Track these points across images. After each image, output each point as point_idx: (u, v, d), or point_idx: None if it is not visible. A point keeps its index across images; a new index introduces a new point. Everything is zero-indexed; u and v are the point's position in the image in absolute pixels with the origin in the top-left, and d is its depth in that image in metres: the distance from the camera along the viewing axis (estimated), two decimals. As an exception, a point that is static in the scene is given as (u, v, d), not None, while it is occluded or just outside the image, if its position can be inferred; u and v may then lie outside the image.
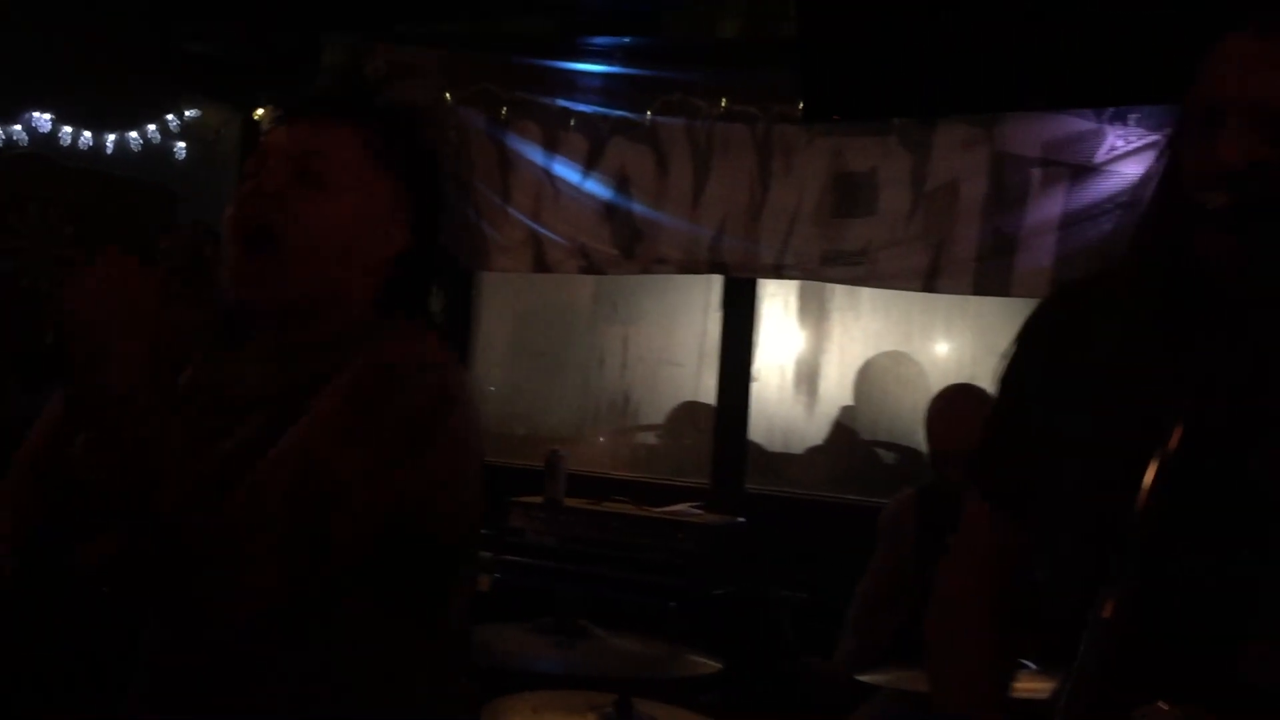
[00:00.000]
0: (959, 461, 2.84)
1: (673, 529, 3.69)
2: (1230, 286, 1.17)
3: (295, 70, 4.40)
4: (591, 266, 4.08)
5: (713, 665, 2.46)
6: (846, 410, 4.33)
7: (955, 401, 3.00)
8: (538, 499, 3.89)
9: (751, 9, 3.96)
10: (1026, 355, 1.37)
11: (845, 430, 4.32)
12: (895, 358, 4.26)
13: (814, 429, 4.39)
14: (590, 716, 2.36)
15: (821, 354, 4.41)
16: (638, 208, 3.97)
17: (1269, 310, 1.15)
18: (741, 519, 3.87)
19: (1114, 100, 3.23)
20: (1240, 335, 1.17)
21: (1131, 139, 3.29)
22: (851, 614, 3.12)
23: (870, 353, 4.31)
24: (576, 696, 2.44)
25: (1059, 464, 1.28)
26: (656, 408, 4.62)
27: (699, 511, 3.90)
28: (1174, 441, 0.95)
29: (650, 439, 4.67)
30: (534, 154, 4.11)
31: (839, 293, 4.32)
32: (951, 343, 4.20)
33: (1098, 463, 1.22)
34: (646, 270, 4.03)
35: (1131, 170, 3.30)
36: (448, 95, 4.20)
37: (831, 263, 3.72)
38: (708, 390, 4.30)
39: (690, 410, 4.46)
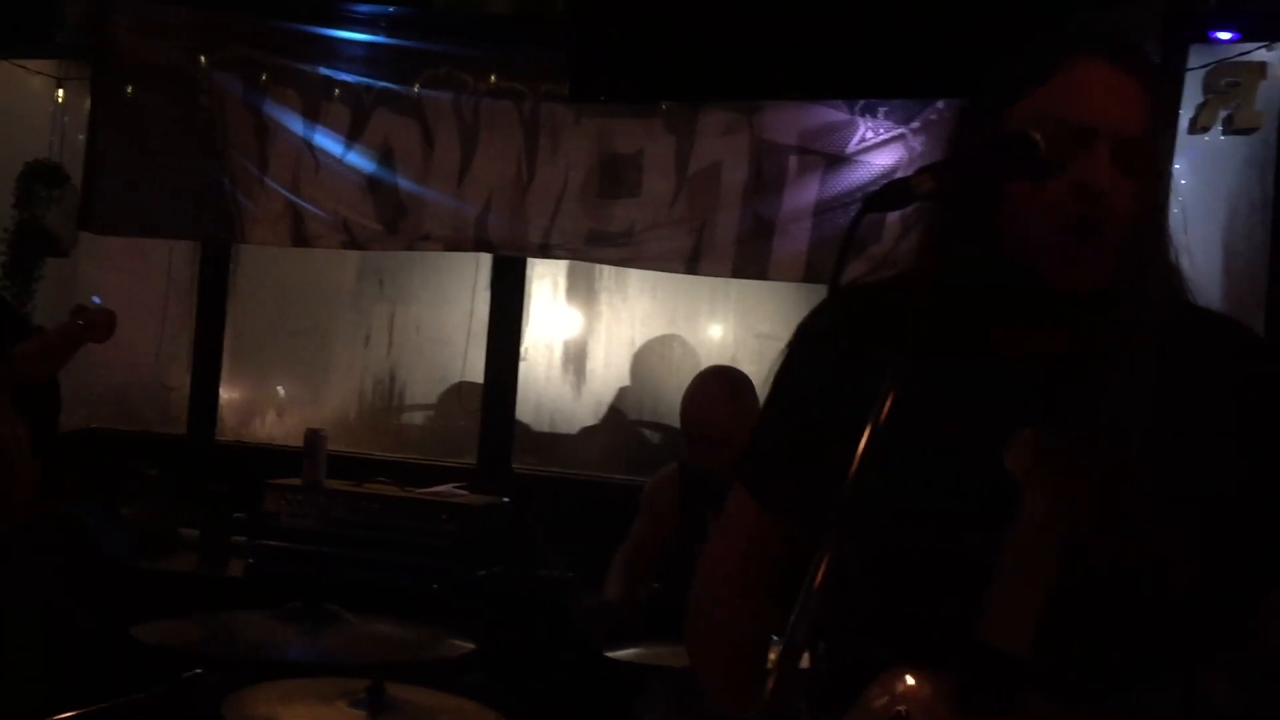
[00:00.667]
0: (710, 443, 2.91)
1: (436, 510, 3.63)
2: (1060, 286, 1.19)
3: (31, 21, 4.09)
4: (354, 242, 3.97)
5: (465, 646, 2.43)
6: (616, 391, 4.37)
7: (708, 385, 3.05)
8: (296, 481, 3.76)
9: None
10: (807, 356, 1.36)
11: (614, 411, 4.36)
12: (665, 340, 4.33)
13: (583, 409, 4.41)
14: (342, 704, 2.28)
15: (590, 334, 4.44)
16: (402, 182, 3.87)
17: (1095, 310, 1.19)
18: (507, 499, 3.85)
19: (865, 93, 3.37)
20: (1057, 330, 1.21)
21: (881, 131, 3.44)
22: (609, 577, 3.15)
23: (638, 334, 4.36)
24: (328, 684, 2.36)
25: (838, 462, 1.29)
26: (423, 387, 4.54)
27: (463, 493, 3.85)
28: (883, 412, 0.98)
29: (417, 419, 4.59)
30: (294, 123, 3.95)
31: (607, 274, 4.35)
32: (715, 324, 4.30)
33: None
34: (411, 247, 3.95)
35: (880, 161, 3.44)
36: (201, 58, 3.99)
37: (597, 243, 3.73)
38: (475, 370, 4.26)
39: (460, 391, 4.41)
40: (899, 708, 1.15)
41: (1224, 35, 3.28)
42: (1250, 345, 1.30)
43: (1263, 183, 3.42)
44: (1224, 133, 3.33)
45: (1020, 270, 1.19)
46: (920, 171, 1.04)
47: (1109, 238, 1.17)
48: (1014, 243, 1.18)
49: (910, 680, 1.17)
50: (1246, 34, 3.26)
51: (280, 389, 4.56)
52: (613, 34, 3.50)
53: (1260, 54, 3.29)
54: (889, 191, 1.04)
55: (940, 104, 3.36)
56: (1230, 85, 3.29)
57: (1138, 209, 1.19)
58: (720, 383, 3.04)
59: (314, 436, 3.83)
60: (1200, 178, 3.42)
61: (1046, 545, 1.16)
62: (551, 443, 4.36)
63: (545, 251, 3.82)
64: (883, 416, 0.99)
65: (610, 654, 2.60)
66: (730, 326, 4.27)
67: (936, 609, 1.14)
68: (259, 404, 4.57)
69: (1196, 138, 3.35)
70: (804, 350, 1.36)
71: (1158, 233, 1.24)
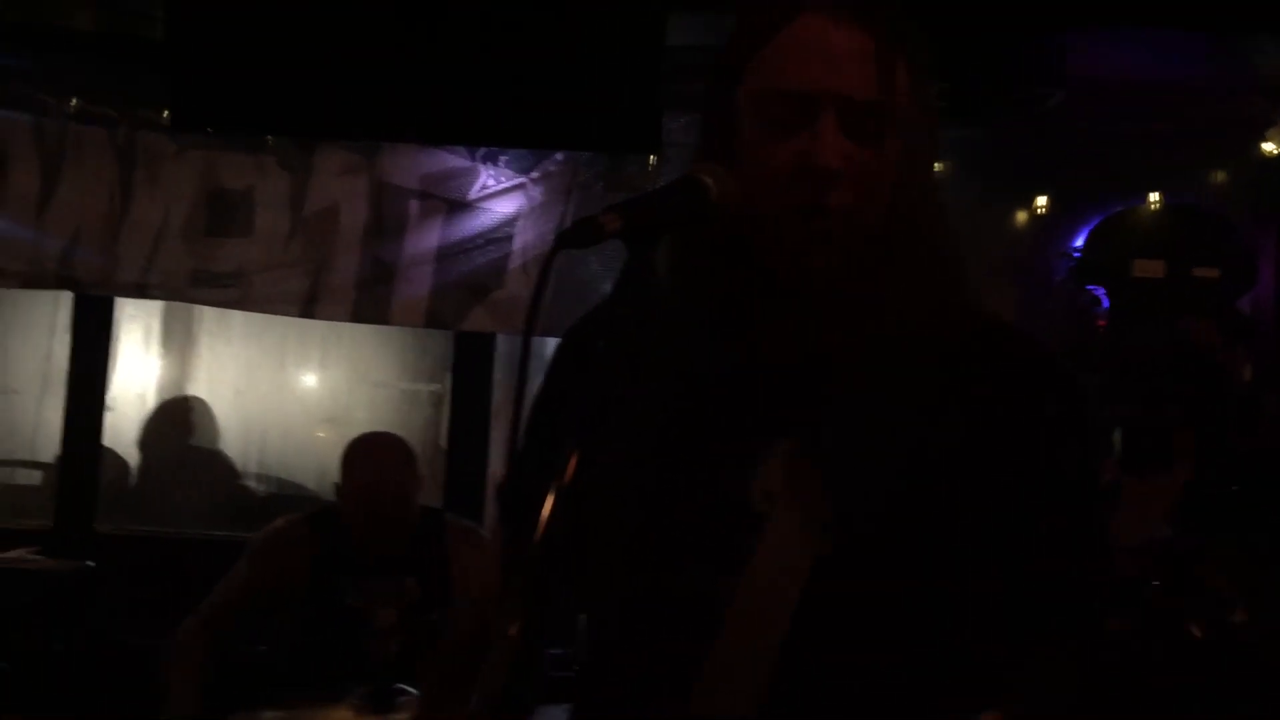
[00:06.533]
0: (367, 509, 2.69)
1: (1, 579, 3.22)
2: (794, 281, 1.05)
3: None
4: (-98, 275, 3.46)
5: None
6: (218, 442, 4.08)
7: (377, 455, 2.80)
8: None
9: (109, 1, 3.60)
10: (550, 387, 1.22)
11: (217, 463, 4.06)
12: (275, 387, 4.10)
13: (181, 462, 4.08)
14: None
15: (188, 382, 4.12)
16: (-34, 210, 3.43)
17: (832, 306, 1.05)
18: (91, 563, 3.48)
19: (485, 140, 3.38)
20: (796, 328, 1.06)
21: (502, 179, 3.46)
22: (182, 643, 2.76)
23: (243, 381, 4.11)
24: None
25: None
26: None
27: (37, 558, 3.44)
28: (568, 474, 0.89)
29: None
30: None
31: (209, 316, 4.07)
32: (327, 371, 4.13)
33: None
34: (-23, 283, 3.49)
35: (501, 208, 3.46)
36: None
37: (202, 284, 3.47)
38: (51, 421, 3.82)
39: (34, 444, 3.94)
40: None
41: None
42: (1024, 358, 1.10)
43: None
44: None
45: (752, 265, 1.03)
46: (608, 210, 0.96)
47: (847, 220, 1.02)
48: (746, 229, 1.02)
49: None
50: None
51: None
52: (217, 61, 3.28)
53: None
54: (580, 229, 0.95)
55: (559, 155, 3.43)
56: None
57: (885, 183, 1.03)
58: (393, 453, 2.72)
59: None
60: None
61: (782, 591, 1.02)
62: (146, 499, 4.00)
63: (142, 291, 3.50)
64: (566, 479, 0.92)
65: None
66: (343, 373, 4.12)
67: (657, 676, 1.00)
68: None
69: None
70: (553, 379, 1.22)
71: (916, 212, 1.05)
